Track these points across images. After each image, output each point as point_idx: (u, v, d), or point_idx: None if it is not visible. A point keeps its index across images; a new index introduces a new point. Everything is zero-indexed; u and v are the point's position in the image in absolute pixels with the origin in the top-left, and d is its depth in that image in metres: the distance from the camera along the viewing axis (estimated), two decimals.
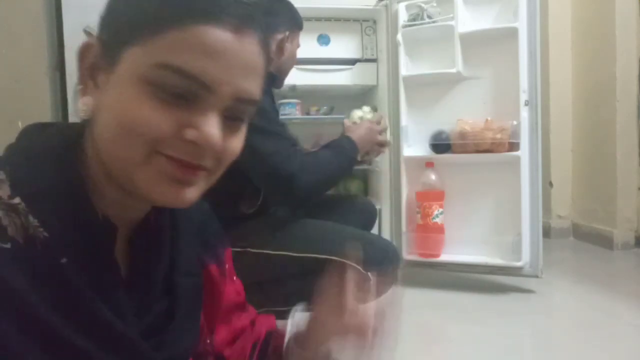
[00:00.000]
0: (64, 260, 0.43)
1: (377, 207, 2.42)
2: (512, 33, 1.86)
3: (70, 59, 1.88)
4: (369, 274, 1.16)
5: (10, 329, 0.40)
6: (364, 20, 2.45)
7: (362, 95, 2.76)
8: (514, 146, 1.87)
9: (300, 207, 1.41)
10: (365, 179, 2.78)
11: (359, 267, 1.16)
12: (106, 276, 0.47)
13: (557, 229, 2.99)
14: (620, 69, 2.58)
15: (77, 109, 0.47)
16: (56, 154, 0.47)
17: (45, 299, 0.42)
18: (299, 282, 1.24)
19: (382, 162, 2.34)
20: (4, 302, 0.40)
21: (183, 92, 0.43)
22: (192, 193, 0.47)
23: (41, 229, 0.43)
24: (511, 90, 1.88)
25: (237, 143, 0.49)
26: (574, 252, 2.72)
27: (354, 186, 2.62)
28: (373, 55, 2.45)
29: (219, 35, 0.43)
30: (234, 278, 0.71)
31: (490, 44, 1.94)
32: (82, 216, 0.46)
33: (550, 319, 1.69)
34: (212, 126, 0.44)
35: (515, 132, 1.86)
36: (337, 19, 2.45)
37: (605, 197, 2.69)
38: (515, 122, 1.87)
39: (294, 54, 1.51)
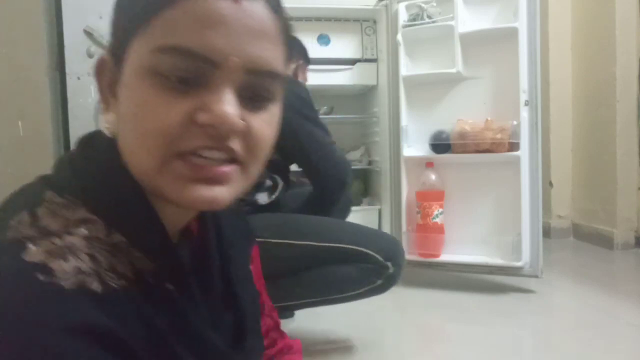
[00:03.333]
0: (170, 286, 0.42)
1: (377, 207, 2.43)
2: (512, 33, 1.86)
3: (70, 59, 1.88)
4: (388, 263, 1.21)
5: None
6: (364, 20, 2.45)
7: (362, 95, 2.76)
8: (514, 146, 1.87)
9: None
10: (365, 179, 2.78)
11: (378, 257, 1.21)
12: (193, 294, 0.45)
13: (557, 229, 2.99)
14: (620, 69, 2.58)
15: (102, 128, 0.45)
16: (130, 182, 0.43)
17: (170, 330, 0.41)
18: (314, 274, 1.26)
19: (382, 162, 2.34)
20: (145, 344, 0.38)
21: (187, 74, 0.39)
22: (225, 192, 0.42)
23: (146, 260, 0.41)
24: (511, 90, 1.88)
25: (263, 125, 0.42)
26: (574, 252, 2.72)
27: (354, 186, 2.62)
28: (373, 55, 2.46)
29: (214, 3, 0.38)
30: (258, 281, 0.67)
31: (490, 44, 1.94)
32: (164, 240, 0.44)
33: (550, 319, 1.68)
34: (224, 103, 0.39)
35: (515, 132, 1.86)
36: (337, 19, 2.46)
37: (605, 197, 2.69)
38: (515, 122, 1.87)
39: None
